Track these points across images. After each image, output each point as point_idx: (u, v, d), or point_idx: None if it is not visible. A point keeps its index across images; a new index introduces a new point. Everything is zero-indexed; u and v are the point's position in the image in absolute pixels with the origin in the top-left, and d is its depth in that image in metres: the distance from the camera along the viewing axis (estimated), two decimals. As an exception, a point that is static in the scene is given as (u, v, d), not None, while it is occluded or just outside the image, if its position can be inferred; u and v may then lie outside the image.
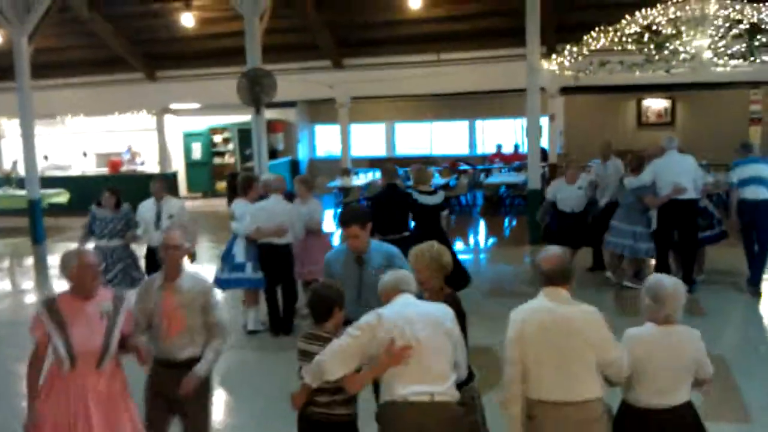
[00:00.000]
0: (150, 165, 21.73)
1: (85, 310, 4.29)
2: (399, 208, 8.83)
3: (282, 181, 8.83)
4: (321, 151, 23.84)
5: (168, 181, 9.86)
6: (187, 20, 17.22)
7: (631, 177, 9.66)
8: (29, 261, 14.77)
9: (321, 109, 22.36)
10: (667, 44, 11.47)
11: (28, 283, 13.05)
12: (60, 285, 12.17)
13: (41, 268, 14.09)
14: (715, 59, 11.25)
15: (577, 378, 3.85)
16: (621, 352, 3.90)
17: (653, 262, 10.00)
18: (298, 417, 4.27)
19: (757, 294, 9.36)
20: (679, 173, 9.23)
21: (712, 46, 11.12)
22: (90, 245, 8.84)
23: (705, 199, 10.00)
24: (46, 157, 21.55)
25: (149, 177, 20.23)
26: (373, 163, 21.29)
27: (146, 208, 9.30)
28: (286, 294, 8.58)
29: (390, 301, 4.15)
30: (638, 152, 10.54)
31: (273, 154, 19.94)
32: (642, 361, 3.91)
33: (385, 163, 10.38)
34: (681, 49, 11.32)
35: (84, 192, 19.28)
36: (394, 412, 3.88)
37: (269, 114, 16.29)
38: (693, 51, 11.21)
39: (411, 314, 3.99)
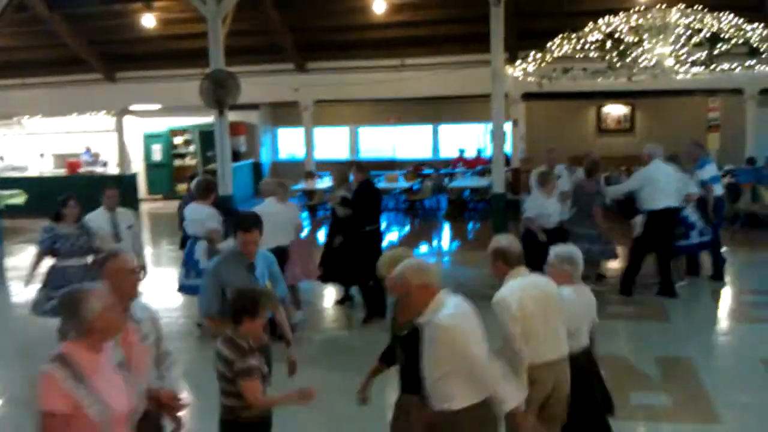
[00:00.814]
0: (109, 166, 21.41)
1: (101, 362, 3.22)
2: (375, 202, 9.32)
3: (274, 184, 8.80)
4: (284, 154, 23.73)
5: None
6: (149, 21, 17.02)
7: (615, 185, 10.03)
8: (-15, 264, 14.43)
9: (284, 112, 22.25)
10: (629, 52, 11.64)
11: (-16, 287, 12.74)
12: (17, 289, 11.99)
13: (-2, 271, 13.78)
14: (677, 67, 11.46)
15: (560, 337, 4.52)
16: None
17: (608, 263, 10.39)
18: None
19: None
20: (665, 183, 9.21)
21: (674, 54, 11.32)
22: (46, 265, 8.24)
23: (689, 207, 9.75)
24: (2, 158, 21.16)
25: (108, 179, 20.07)
26: (335, 165, 21.23)
27: (101, 219, 8.59)
28: None
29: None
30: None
31: (236, 156, 19.78)
32: (576, 316, 4.73)
33: (357, 162, 10.37)
34: (643, 56, 11.50)
35: (41, 193, 18.97)
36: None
37: (232, 116, 16.15)
38: (655, 59, 11.40)
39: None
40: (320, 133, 21.69)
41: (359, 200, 9.03)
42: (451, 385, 3.81)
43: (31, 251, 14.80)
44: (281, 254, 8.05)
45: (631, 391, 6.58)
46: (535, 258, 5.11)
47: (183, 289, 8.64)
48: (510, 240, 4.62)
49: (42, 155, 22.11)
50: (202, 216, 8.35)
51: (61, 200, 8.15)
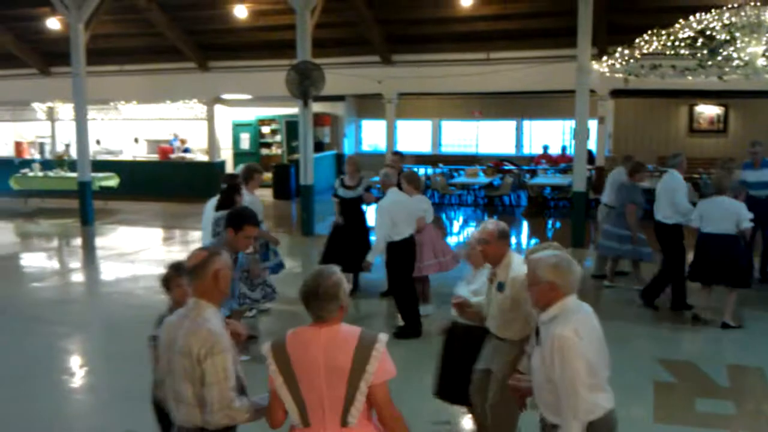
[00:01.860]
0: (199, 154, 22.07)
1: None
2: None
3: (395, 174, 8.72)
4: (367, 146, 23.93)
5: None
6: (240, 12, 17.43)
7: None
8: (77, 241, 15.13)
9: (368, 104, 22.42)
10: (721, 50, 11.25)
11: (76, 264, 13.37)
12: (103, 266, 12.55)
13: (89, 248, 14.43)
14: (769, 67, 11.02)
15: None
16: None
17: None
18: None
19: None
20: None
21: (767, 54, 10.89)
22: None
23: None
24: (98, 142, 22.06)
25: (198, 165, 20.70)
26: (418, 159, 21.31)
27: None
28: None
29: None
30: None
31: (319, 146, 20.10)
32: None
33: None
34: (734, 55, 11.10)
35: (134, 177, 19.77)
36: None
37: (317, 107, 16.42)
38: (747, 58, 10.98)
39: None
40: (403, 126, 21.80)
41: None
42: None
43: (121, 232, 15.57)
44: (407, 245, 8.16)
45: (698, 397, 6.44)
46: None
47: None
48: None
49: (136, 140, 22.95)
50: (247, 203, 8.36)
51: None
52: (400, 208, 8.08)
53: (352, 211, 9.70)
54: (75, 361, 7.98)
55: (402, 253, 8.07)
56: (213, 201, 7.77)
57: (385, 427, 3.30)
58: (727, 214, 8.20)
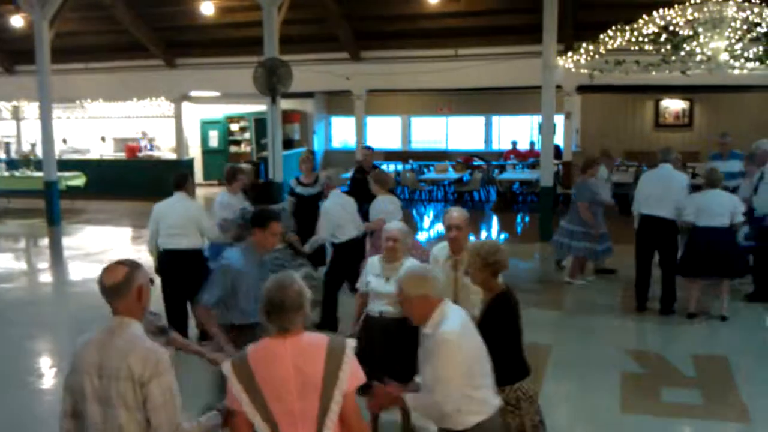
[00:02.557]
0: (167, 152, 21.92)
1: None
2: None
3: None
4: (336, 143, 23.93)
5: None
6: (207, 8, 17.32)
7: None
8: (44, 242, 14.96)
9: (338, 101, 22.42)
10: (684, 45, 11.43)
11: (43, 264, 13.22)
12: (70, 266, 12.42)
13: (56, 249, 14.28)
14: (732, 62, 11.21)
15: None
16: None
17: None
18: None
19: None
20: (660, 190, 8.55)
21: (729, 49, 11.08)
22: None
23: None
24: (64, 141, 21.79)
25: (166, 164, 20.55)
26: (388, 155, 21.36)
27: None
28: None
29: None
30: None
31: (288, 143, 20.04)
32: None
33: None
34: (698, 50, 11.28)
35: (101, 176, 19.57)
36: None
37: (286, 104, 16.39)
38: (710, 53, 11.17)
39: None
40: (373, 122, 21.83)
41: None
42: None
43: (88, 231, 15.41)
44: (353, 246, 8.20)
45: (665, 387, 6.56)
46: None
47: None
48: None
49: (103, 139, 22.72)
50: (217, 203, 8.41)
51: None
52: (341, 210, 8.14)
53: (310, 208, 9.52)
54: (44, 362, 7.92)
55: (346, 253, 8.14)
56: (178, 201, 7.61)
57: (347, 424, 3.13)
58: (724, 207, 8.22)
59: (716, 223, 8.19)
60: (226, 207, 8.20)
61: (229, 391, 3.07)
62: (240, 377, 3.04)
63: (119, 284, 3.16)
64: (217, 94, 21.14)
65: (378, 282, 5.19)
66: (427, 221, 16.51)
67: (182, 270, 7.33)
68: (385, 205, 8.42)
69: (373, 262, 5.38)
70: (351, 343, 3.14)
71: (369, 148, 11.38)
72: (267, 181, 8.06)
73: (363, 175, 10.02)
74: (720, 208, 8.21)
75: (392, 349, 4.95)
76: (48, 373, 7.45)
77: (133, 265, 3.25)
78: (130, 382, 3.04)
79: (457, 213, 5.21)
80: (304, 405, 3.02)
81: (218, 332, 4.97)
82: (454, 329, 3.54)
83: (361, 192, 9.45)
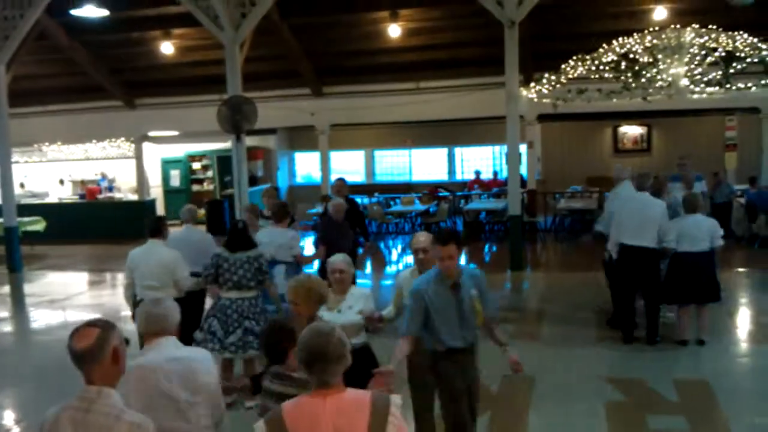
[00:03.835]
0: (128, 192, 21.61)
1: None
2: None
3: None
4: (300, 178, 23.85)
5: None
6: (167, 48, 17.23)
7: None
8: (5, 289, 14.55)
9: (301, 136, 22.40)
10: (644, 72, 11.64)
11: (4, 313, 12.84)
12: (34, 313, 12.09)
13: (18, 296, 13.90)
14: (692, 86, 11.44)
15: None
16: None
17: None
18: None
19: None
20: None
21: (689, 74, 11.31)
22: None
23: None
24: (22, 185, 21.36)
25: (128, 204, 20.24)
26: (353, 189, 21.28)
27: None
28: None
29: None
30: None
31: (253, 180, 19.90)
32: None
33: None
34: (658, 76, 11.50)
35: (61, 219, 19.17)
36: None
37: (249, 141, 16.27)
38: (669, 78, 11.39)
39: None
40: (336, 156, 21.81)
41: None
42: None
43: (50, 278, 15.04)
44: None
45: (649, 414, 6.53)
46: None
47: None
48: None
49: (62, 182, 22.34)
50: (283, 240, 8.18)
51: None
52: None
53: None
54: (9, 416, 7.63)
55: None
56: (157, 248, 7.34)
57: None
58: (704, 232, 8.19)
59: (698, 248, 8.19)
60: (296, 240, 8.35)
61: None
62: None
63: (92, 349, 2.86)
64: (177, 133, 20.95)
65: (330, 315, 5.09)
66: (395, 254, 16.46)
67: None
68: (278, 238, 8.18)
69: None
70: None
71: (342, 179, 11.28)
72: (244, 222, 7.74)
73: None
74: (701, 233, 8.19)
75: (354, 383, 4.63)
76: (14, 429, 7.17)
77: (105, 326, 2.95)
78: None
79: (423, 237, 5.38)
80: None
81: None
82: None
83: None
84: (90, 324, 2.94)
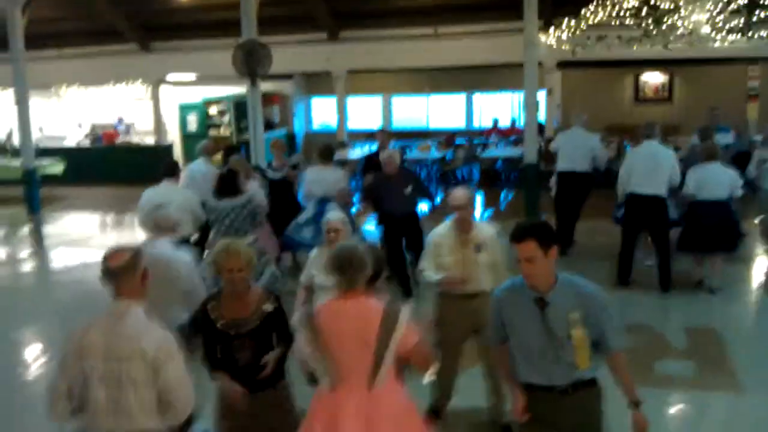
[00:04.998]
0: (145, 136, 21.68)
1: None
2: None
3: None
4: (317, 124, 23.76)
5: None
6: (183, -9, 17.09)
7: None
8: (26, 230, 14.77)
9: (317, 82, 22.22)
10: (665, 19, 11.40)
11: (25, 253, 13.05)
12: (52, 254, 12.28)
13: (38, 237, 14.11)
14: (713, 34, 11.21)
15: None
16: None
17: None
18: None
19: None
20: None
21: (710, 21, 11.07)
22: None
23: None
24: (41, 129, 21.47)
25: (145, 149, 20.33)
26: (370, 135, 21.23)
27: None
28: None
29: None
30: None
31: (269, 126, 19.85)
32: None
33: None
34: (679, 23, 11.26)
35: (78, 163, 19.31)
36: None
37: (265, 86, 16.19)
38: (691, 26, 11.16)
39: None
40: (353, 102, 21.67)
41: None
42: None
43: (69, 219, 15.22)
44: None
45: (657, 360, 6.59)
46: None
47: (291, 241, 8.73)
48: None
49: (80, 125, 22.41)
50: (331, 178, 8.69)
51: None
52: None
53: (279, 193, 9.58)
54: (29, 352, 7.82)
55: None
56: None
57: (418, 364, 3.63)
58: (723, 181, 8.17)
59: (714, 197, 8.15)
60: (343, 179, 8.86)
61: (299, 338, 3.64)
62: (309, 329, 3.50)
63: (125, 267, 3.27)
64: (194, 76, 20.88)
65: (323, 275, 4.99)
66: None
67: None
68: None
69: (316, 255, 5.34)
70: (406, 309, 3.50)
71: (384, 130, 11.16)
72: (230, 170, 7.87)
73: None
74: (718, 181, 8.15)
75: None
76: (33, 364, 7.35)
77: (137, 250, 3.41)
78: (142, 364, 3.14)
79: (461, 193, 5.26)
80: (359, 359, 3.42)
81: (508, 379, 3.80)
82: None
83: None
84: (123, 248, 3.40)
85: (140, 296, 3.32)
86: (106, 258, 3.30)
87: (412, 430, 3.60)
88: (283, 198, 9.64)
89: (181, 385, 3.22)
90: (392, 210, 8.28)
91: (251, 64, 13.73)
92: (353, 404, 3.42)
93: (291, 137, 21.86)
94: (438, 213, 11.09)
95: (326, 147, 9.29)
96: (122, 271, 3.27)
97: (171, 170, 7.56)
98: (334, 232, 5.17)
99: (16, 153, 17.13)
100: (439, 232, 5.39)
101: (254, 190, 7.90)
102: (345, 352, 3.43)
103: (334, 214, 5.41)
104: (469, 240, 5.22)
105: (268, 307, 4.10)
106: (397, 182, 8.27)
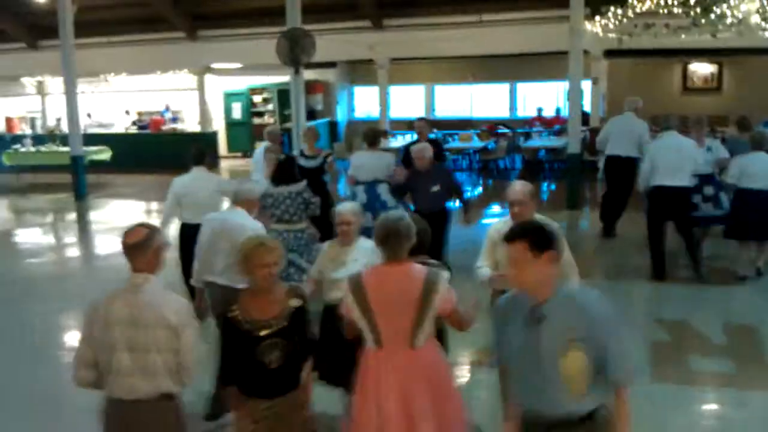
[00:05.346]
0: (191, 124, 21.94)
1: None
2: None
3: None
4: (360, 113, 23.78)
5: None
6: (229, -21, 17.23)
7: None
8: (72, 216, 15.08)
9: (360, 70, 22.26)
10: (714, 8, 11.15)
11: (71, 238, 13.33)
12: (98, 240, 12.51)
13: (84, 223, 14.39)
14: (763, 24, 10.93)
15: None
16: None
17: None
18: None
19: None
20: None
21: (760, 11, 10.79)
22: None
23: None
24: (89, 115, 21.88)
25: (190, 136, 20.56)
26: (412, 125, 21.19)
27: None
28: None
29: None
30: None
31: (312, 114, 19.96)
32: None
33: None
34: (728, 13, 10.99)
35: (126, 150, 19.64)
36: None
37: (308, 75, 16.29)
38: (740, 15, 10.89)
39: None
40: (396, 91, 21.65)
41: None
42: None
43: (114, 205, 15.50)
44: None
45: (693, 356, 6.48)
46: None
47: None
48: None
49: (127, 113, 22.78)
50: (381, 162, 8.78)
51: None
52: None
53: (311, 181, 9.46)
54: (72, 336, 7.97)
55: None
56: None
57: (455, 325, 3.90)
58: (766, 170, 8.12)
59: (759, 185, 8.08)
60: (392, 160, 8.94)
61: (344, 302, 3.76)
62: (354, 293, 3.69)
63: (141, 242, 3.54)
64: (240, 65, 21.05)
65: (334, 267, 4.93)
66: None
67: None
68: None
69: (325, 248, 5.19)
70: (445, 275, 3.77)
71: (424, 119, 10.66)
72: (289, 157, 7.99)
73: None
74: (764, 171, 8.08)
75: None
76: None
77: (152, 228, 3.66)
78: (166, 330, 3.46)
79: (519, 187, 4.77)
80: (402, 320, 3.63)
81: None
82: None
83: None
84: (140, 225, 3.68)
85: (154, 269, 3.59)
86: (124, 235, 3.58)
87: (446, 386, 3.85)
88: (315, 186, 9.55)
89: (193, 350, 3.52)
90: (420, 206, 8.04)
91: (295, 52, 13.80)
92: (395, 361, 3.67)
93: (333, 125, 21.94)
94: (475, 205, 11.08)
95: (372, 131, 9.29)
96: (137, 246, 3.53)
97: (200, 157, 7.53)
98: (346, 224, 4.96)
99: (64, 139, 17.47)
100: (496, 227, 4.87)
101: None
102: (389, 313, 3.63)
103: (345, 206, 5.12)
104: None
105: (295, 302, 3.97)
106: (426, 178, 8.07)
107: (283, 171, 7.42)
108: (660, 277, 8.59)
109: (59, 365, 6.93)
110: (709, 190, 8.80)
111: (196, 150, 7.66)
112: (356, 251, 4.95)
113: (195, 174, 7.49)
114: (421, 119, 10.15)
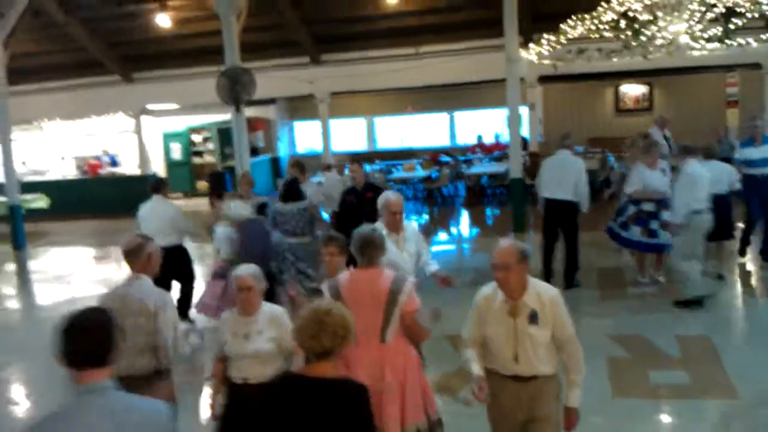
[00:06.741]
0: (130, 167, 21.62)
1: None
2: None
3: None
4: (301, 148, 23.78)
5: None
6: (163, 21, 17.11)
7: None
8: (11, 267, 14.62)
9: (300, 106, 22.30)
10: (644, 30, 11.51)
11: (10, 290, 12.91)
12: (39, 290, 12.15)
13: (23, 273, 13.97)
14: (692, 43, 11.32)
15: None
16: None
17: None
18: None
19: None
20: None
21: (689, 31, 11.18)
22: None
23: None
24: (24, 163, 21.37)
25: (128, 179, 20.25)
26: (354, 157, 21.25)
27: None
28: None
29: None
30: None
31: (254, 151, 19.86)
32: None
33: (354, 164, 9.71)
34: (658, 34, 11.36)
35: (63, 196, 19.20)
36: None
37: (248, 112, 16.20)
38: (670, 36, 11.26)
39: None
40: (337, 125, 21.73)
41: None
42: None
43: (54, 254, 15.09)
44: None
45: (651, 370, 6.59)
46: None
47: None
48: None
49: (63, 158, 22.34)
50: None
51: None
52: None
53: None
54: (19, 391, 7.71)
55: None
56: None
57: (410, 332, 4.32)
58: (722, 176, 8.90)
59: (714, 191, 8.46)
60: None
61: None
62: (331, 294, 4.27)
63: (134, 249, 4.49)
64: (176, 106, 20.88)
65: (237, 342, 4.46)
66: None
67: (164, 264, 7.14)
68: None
69: (227, 319, 4.60)
70: (411, 279, 4.45)
71: (359, 163, 9.64)
72: (293, 178, 9.03)
73: (356, 198, 8.89)
74: (717, 177, 8.68)
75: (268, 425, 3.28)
76: (24, 403, 7.25)
77: (145, 237, 4.66)
78: (146, 317, 4.30)
79: (503, 248, 3.94)
80: (373, 317, 4.20)
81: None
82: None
83: (356, 217, 7.23)
84: (135, 235, 4.66)
85: (147, 271, 4.50)
86: (123, 244, 4.52)
87: (413, 377, 4.30)
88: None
89: (167, 330, 4.32)
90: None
91: (236, 90, 13.74)
92: (368, 354, 4.19)
93: (276, 162, 21.87)
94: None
95: (156, 181, 9.14)
96: (131, 252, 4.48)
97: (158, 187, 8.76)
98: (246, 290, 4.46)
99: (0, 189, 17.01)
100: (484, 293, 4.11)
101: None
102: (362, 311, 4.01)
103: (244, 269, 4.55)
104: (517, 307, 3.93)
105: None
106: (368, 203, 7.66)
107: (289, 190, 8.35)
108: (547, 279, 8.51)
109: (9, 421, 6.70)
110: (666, 216, 8.66)
111: (154, 181, 9.03)
112: (266, 319, 4.49)
113: (153, 202, 8.67)
114: (356, 164, 9.52)
